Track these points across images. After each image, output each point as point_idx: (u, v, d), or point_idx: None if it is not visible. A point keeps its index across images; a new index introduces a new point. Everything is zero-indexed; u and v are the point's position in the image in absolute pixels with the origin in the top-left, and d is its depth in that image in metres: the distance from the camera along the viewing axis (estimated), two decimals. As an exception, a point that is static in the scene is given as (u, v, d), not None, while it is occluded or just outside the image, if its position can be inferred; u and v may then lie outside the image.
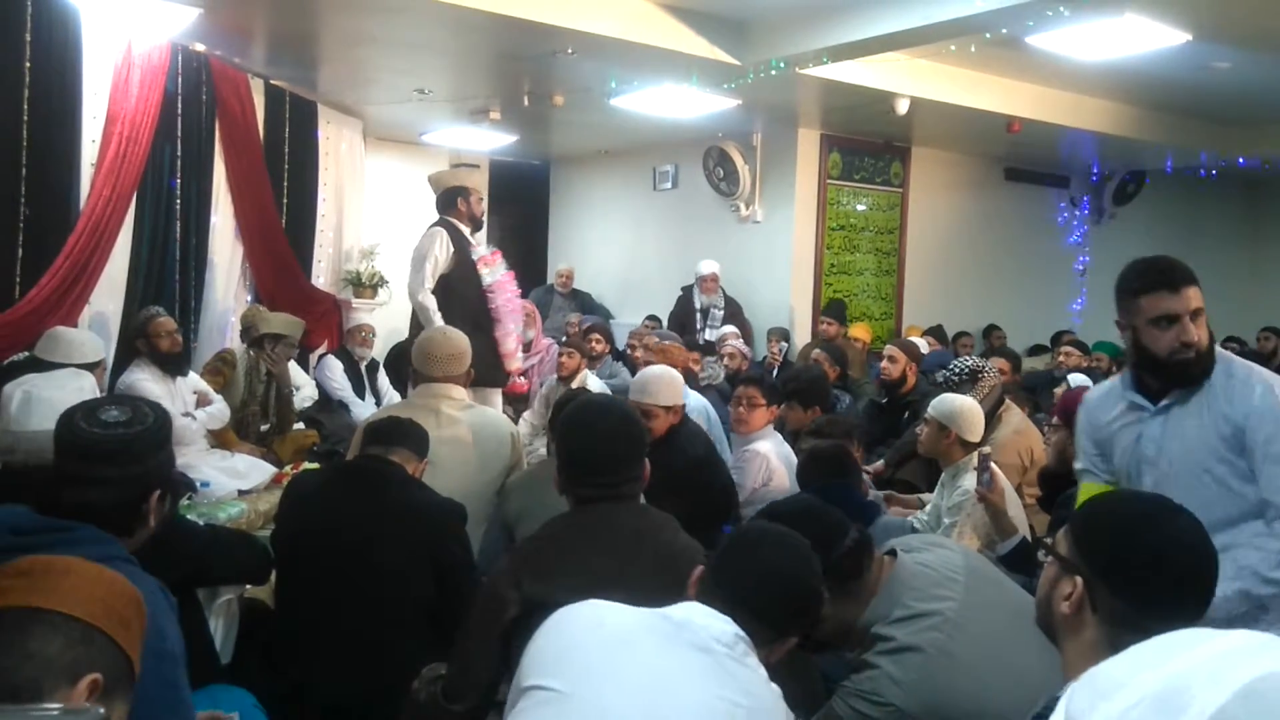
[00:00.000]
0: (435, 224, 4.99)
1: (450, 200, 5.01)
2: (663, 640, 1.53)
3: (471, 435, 3.27)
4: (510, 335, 5.01)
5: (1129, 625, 1.41)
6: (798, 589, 1.68)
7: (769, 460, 3.99)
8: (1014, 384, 5.60)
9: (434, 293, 4.87)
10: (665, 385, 3.67)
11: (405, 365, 4.36)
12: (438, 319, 4.74)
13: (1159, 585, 1.43)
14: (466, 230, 5.02)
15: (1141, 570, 1.43)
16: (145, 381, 4.45)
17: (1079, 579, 1.47)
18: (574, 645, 1.53)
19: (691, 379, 5.14)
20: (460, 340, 3.54)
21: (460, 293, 4.90)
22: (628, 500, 2.17)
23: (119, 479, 1.78)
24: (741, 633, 1.58)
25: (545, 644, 1.57)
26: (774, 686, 1.59)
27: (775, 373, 6.70)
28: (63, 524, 1.74)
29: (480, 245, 5.17)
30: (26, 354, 4.47)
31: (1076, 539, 1.50)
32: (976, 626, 1.86)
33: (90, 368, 3.82)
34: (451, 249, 4.90)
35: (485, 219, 5.13)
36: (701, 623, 1.56)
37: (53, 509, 1.79)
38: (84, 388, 2.62)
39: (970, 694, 1.80)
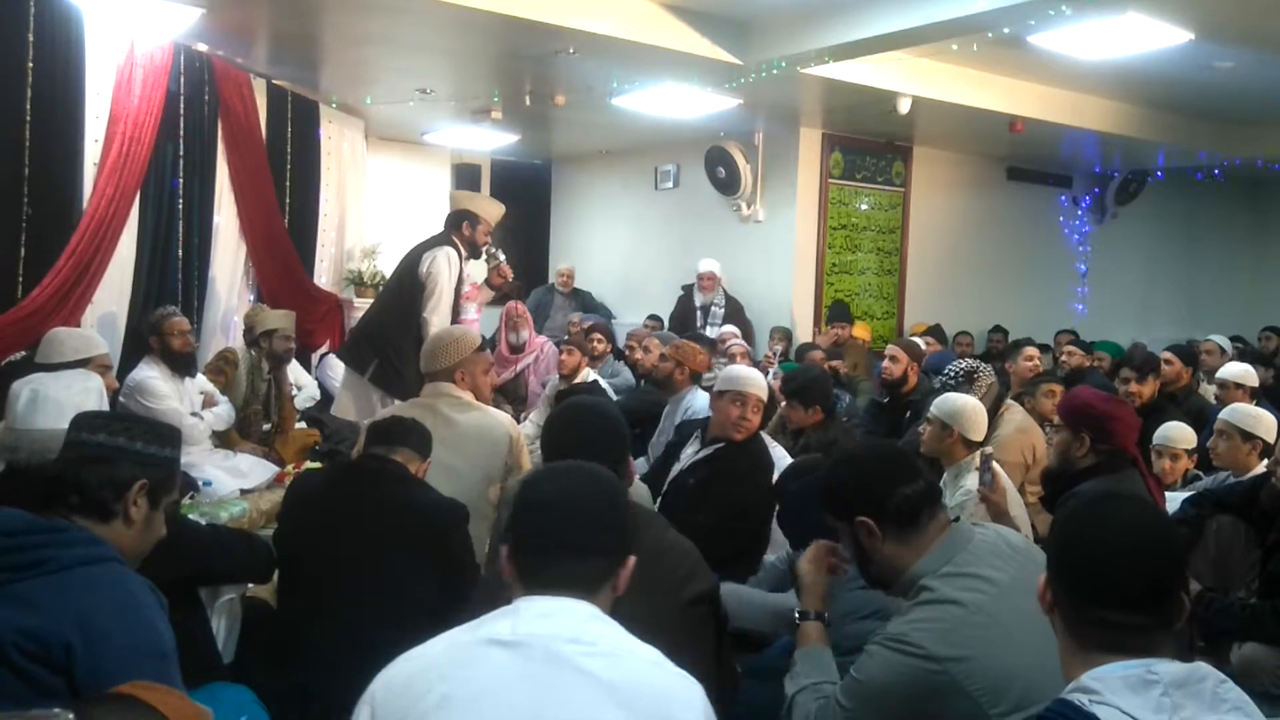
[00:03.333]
0: (442, 243, 4.97)
1: (457, 221, 5.05)
2: (517, 672, 1.41)
3: (467, 435, 3.27)
4: None
5: (1089, 621, 1.42)
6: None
7: None
8: (1047, 373, 5.73)
9: (404, 291, 4.87)
10: (760, 381, 3.71)
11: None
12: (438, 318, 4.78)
13: (1104, 583, 1.42)
14: (464, 254, 5.04)
15: (1084, 570, 1.44)
16: (154, 380, 4.44)
17: (1042, 580, 1.51)
18: None
19: (699, 379, 5.10)
20: (444, 335, 3.58)
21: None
22: None
23: (111, 450, 1.84)
24: (592, 610, 1.48)
25: None
26: (652, 650, 1.48)
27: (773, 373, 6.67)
28: (54, 525, 1.74)
29: (470, 274, 5.20)
30: (23, 354, 4.46)
31: (1044, 542, 1.53)
32: (1021, 602, 1.80)
33: (89, 363, 3.74)
34: (457, 271, 4.94)
35: (484, 252, 5.17)
36: (542, 631, 1.44)
37: (49, 508, 1.79)
38: (90, 388, 2.61)
39: (1001, 659, 1.78)
